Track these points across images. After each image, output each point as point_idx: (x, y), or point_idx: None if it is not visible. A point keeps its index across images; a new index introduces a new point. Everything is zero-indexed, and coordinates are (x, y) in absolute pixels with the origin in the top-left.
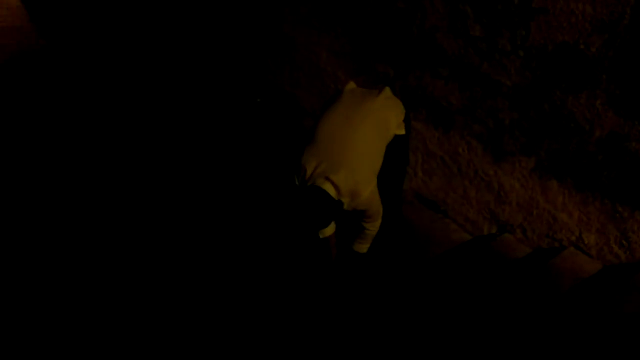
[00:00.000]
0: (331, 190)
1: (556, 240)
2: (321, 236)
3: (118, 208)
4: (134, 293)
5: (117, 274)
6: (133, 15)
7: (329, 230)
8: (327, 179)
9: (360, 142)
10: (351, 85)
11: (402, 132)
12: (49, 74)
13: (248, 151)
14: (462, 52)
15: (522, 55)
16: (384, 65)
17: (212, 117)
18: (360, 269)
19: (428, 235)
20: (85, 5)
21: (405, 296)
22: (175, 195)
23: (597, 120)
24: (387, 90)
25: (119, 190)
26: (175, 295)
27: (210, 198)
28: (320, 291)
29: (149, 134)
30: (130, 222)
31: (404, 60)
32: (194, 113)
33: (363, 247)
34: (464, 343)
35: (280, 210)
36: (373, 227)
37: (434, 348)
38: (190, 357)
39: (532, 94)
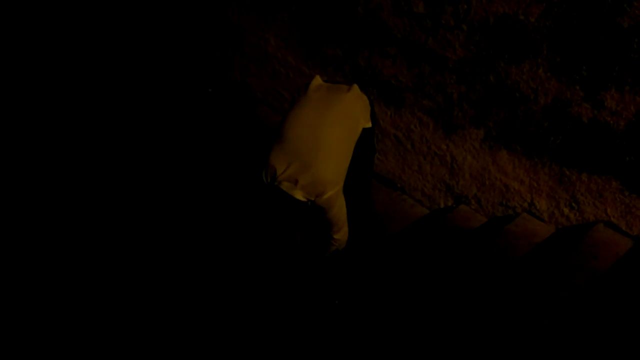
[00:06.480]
0: (299, 195)
1: (510, 208)
2: None
3: (116, 207)
4: (133, 293)
5: (116, 273)
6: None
7: None
8: (297, 182)
9: (331, 143)
10: (317, 80)
11: (369, 124)
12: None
13: (206, 144)
14: (408, 30)
15: (465, 29)
16: (333, 47)
17: (165, 110)
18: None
19: (387, 212)
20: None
21: (368, 276)
22: (172, 195)
23: (541, 88)
24: (356, 88)
25: (116, 189)
26: (175, 295)
27: (202, 196)
28: (313, 289)
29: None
30: (129, 222)
31: (351, 41)
32: (146, 107)
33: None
34: (427, 314)
35: (250, 208)
36: (340, 237)
37: (399, 323)
38: (190, 357)
39: (478, 66)
